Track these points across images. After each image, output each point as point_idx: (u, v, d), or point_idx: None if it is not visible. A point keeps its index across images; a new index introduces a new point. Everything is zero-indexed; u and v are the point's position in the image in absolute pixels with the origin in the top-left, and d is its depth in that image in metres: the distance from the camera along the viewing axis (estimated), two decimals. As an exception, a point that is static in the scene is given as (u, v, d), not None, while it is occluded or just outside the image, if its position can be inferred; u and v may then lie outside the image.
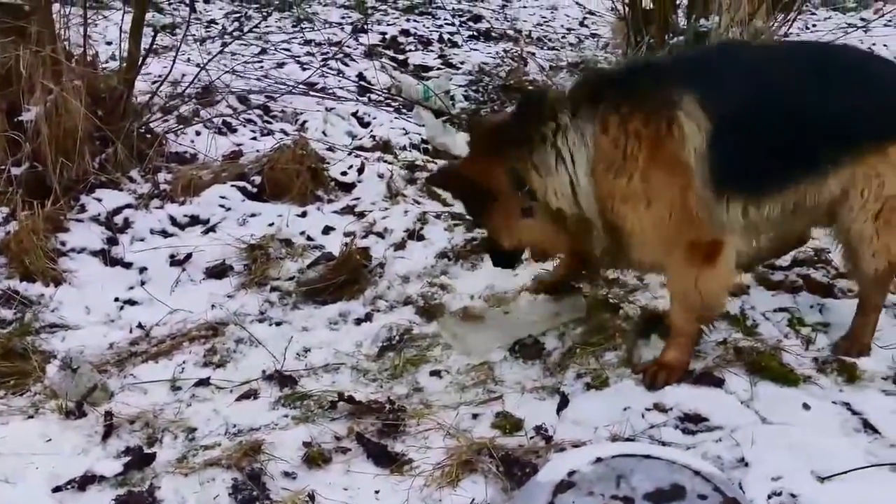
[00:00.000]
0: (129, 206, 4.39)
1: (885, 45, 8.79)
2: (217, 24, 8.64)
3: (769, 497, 2.56)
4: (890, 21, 10.05)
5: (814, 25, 10.18)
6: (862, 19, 9.75)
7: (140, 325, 3.62)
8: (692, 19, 6.70)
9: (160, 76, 5.41)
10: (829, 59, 3.23)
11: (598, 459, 2.43)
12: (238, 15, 8.98)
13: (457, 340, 3.44)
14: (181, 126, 5.24)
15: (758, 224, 3.10)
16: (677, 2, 7.02)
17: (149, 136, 4.89)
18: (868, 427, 2.87)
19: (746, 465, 2.69)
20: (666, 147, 2.89)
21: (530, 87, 3.66)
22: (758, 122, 2.92)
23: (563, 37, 9.50)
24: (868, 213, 3.05)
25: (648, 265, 3.24)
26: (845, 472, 2.61)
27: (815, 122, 2.94)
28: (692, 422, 2.92)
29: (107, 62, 5.60)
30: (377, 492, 2.64)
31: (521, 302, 3.69)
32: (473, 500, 2.58)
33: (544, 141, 3.00)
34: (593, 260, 3.38)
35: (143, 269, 4.02)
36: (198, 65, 5.79)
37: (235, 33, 7.76)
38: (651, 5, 6.72)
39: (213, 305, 3.75)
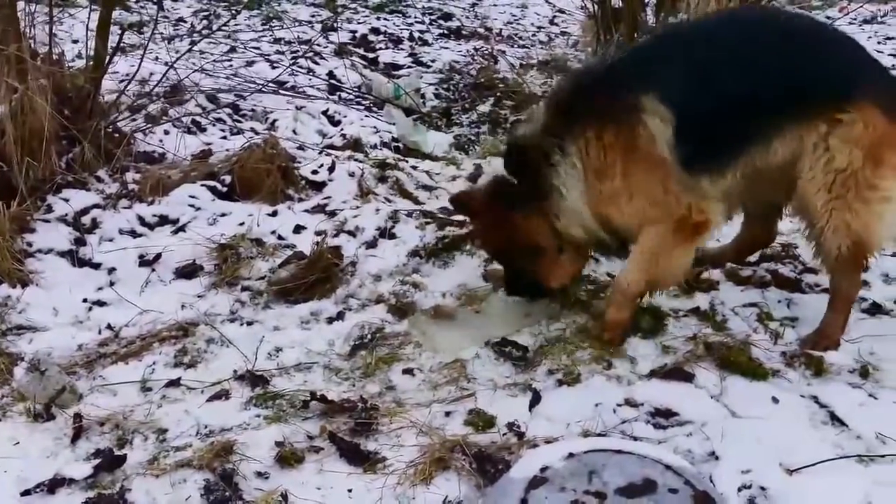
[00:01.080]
0: (96, 206, 4.34)
1: (850, 43, 8.89)
2: (185, 22, 8.56)
3: (739, 490, 2.59)
4: (854, 19, 10.20)
5: (780, 23, 10.28)
6: (827, 17, 9.86)
7: (109, 326, 3.58)
8: (660, 17, 6.78)
9: (128, 75, 5.35)
10: (774, 31, 3.33)
11: (571, 455, 2.46)
12: (206, 13, 8.90)
13: (427, 339, 3.45)
14: (149, 125, 5.19)
15: (725, 195, 3.27)
16: (646, 0, 7.08)
17: (116, 135, 4.84)
18: (835, 420, 2.92)
19: (717, 458, 2.72)
20: (640, 148, 3.13)
21: (510, 135, 3.83)
22: (708, 104, 3.11)
23: (533, 35, 9.52)
24: (819, 185, 3.13)
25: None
26: (813, 465, 2.65)
27: (758, 93, 3.11)
28: (663, 416, 2.94)
29: (73, 61, 5.55)
30: (350, 490, 2.63)
31: (493, 301, 3.71)
32: (447, 497, 2.58)
33: (551, 189, 3.27)
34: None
35: (111, 270, 3.97)
36: (166, 63, 5.74)
37: (204, 31, 7.70)
38: (620, 4, 6.78)
39: (183, 306, 3.72)
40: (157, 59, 6.29)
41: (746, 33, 3.30)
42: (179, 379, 3.21)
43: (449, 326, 3.55)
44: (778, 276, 3.86)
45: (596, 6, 6.95)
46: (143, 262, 4.01)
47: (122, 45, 5.24)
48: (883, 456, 2.72)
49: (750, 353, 3.25)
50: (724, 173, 3.19)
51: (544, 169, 3.27)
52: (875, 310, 3.60)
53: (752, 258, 3.95)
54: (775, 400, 3.00)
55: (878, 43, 9.28)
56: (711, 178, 3.19)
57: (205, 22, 8.48)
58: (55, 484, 2.63)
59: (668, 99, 3.09)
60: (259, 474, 2.69)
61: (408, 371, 3.26)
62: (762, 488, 2.59)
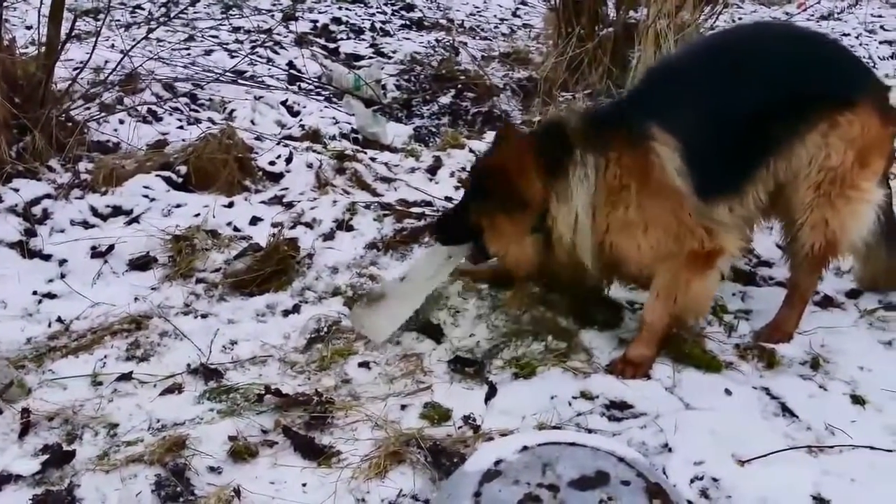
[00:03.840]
0: (48, 196, 4.26)
1: (807, 39, 9.02)
2: (143, 9, 8.43)
3: (691, 481, 2.62)
4: (812, 15, 10.34)
5: (740, 19, 10.39)
6: (786, 13, 9.99)
7: (59, 319, 3.51)
8: (621, 11, 6.81)
9: (82, 63, 5.25)
10: (765, 43, 3.30)
11: (525, 448, 2.45)
12: (165, 0, 8.78)
13: (370, 329, 3.40)
14: (103, 114, 5.11)
15: (745, 215, 3.21)
16: (607, -7, 7.10)
17: (69, 124, 4.76)
18: (786, 411, 2.97)
19: (670, 450, 2.75)
20: (652, 175, 3.01)
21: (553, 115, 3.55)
22: (715, 126, 3.03)
23: (495, 27, 9.51)
24: (810, 183, 3.13)
25: (645, 277, 3.29)
26: (764, 456, 2.69)
27: (768, 104, 3.05)
28: (618, 409, 2.97)
29: (25, 47, 5.41)
30: (304, 485, 2.62)
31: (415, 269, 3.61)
32: (401, 491, 2.57)
33: (565, 173, 3.11)
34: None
35: (62, 262, 3.89)
36: (122, 51, 5.64)
37: (161, 19, 7.59)
38: (581, -4, 6.80)
39: (136, 298, 3.65)
40: (112, 46, 6.19)
41: (745, 48, 3.25)
42: (131, 373, 3.16)
43: (383, 307, 3.44)
44: (733, 269, 3.88)
45: (557, -1, 6.96)
46: (96, 253, 3.94)
47: (77, 32, 5.14)
48: (832, 447, 2.78)
49: (704, 345, 3.29)
50: (743, 196, 3.12)
51: (568, 156, 3.11)
52: (827, 302, 3.66)
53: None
54: (728, 392, 3.04)
55: (835, 39, 9.42)
56: (730, 204, 3.11)
57: (162, 9, 8.36)
58: (1, 480, 2.59)
59: (671, 125, 3.01)
60: (212, 469, 2.66)
61: (364, 364, 3.24)
62: (714, 479, 2.62)
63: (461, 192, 4.64)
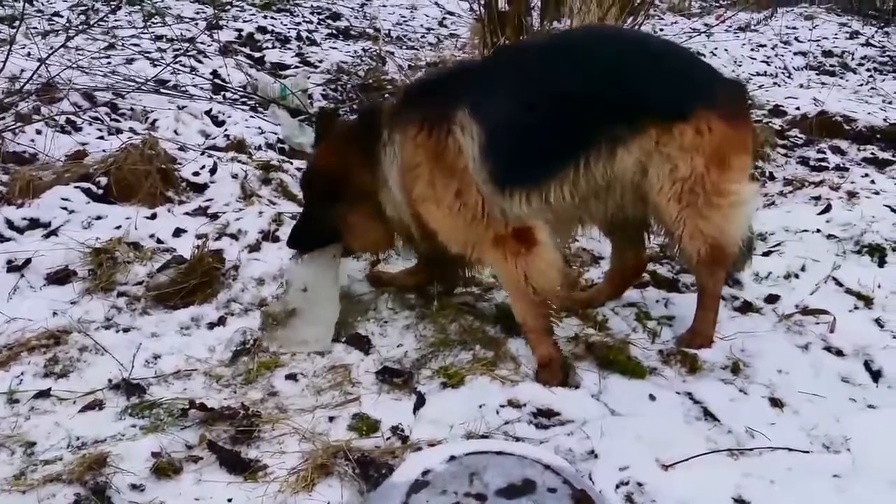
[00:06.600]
0: (-39, 209, 4.12)
1: (725, 50, 9.30)
2: (61, 16, 8.23)
3: (617, 487, 2.65)
4: (730, 27, 10.65)
5: (661, 29, 10.64)
6: (705, 24, 10.25)
7: (-27, 336, 3.40)
8: (545, 21, 6.91)
9: (-4, 71, 5.12)
10: (604, 46, 3.34)
11: (452, 458, 2.47)
12: (84, 7, 8.58)
13: (312, 342, 3.39)
14: (20, 124, 4.97)
15: (551, 210, 3.20)
16: (531, 4, 7.20)
17: (-17, 135, 4.62)
18: (708, 415, 3.04)
19: (596, 456, 2.78)
20: (445, 156, 3.12)
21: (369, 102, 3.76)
22: (526, 120, 3.09)
23: (422, 36, 9.57)
24: (669, 196, 3.19)
25: (469, 260, 3.39)
26: (687, 460, 2.74)
27: (585, 108, 3.10)
28: (545, 416, 2.99)
29: (-64, 56, 5.26)
30: (230, 500, 2.57)
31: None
32: (328, 503, 2.55)
33: (380, 157, 3.32)
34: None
35: (-24, 277, 3.76)
36: (39, 59, 5.50)
37: (80, 27, 7.42)
38: (507, 7, 6.88)
39: (54, 313, 3.54)
40: (28, 55, 6.03)
41: (570, 52, 3.29)
42: (49, 389, 3.07)
43: (301, 321, 3.46)
44: (656, 277, 3.98)
45: (483, 9, 7.02)
46: (12, 267, 3.81)
47: (-10, 39, 5.00)
48: (752, 449, 2.84)
49: (629, 352, 3.34)
50: (542, 191, 3.15)
51: (379, 144, 3.32)
52: (746, 308, 3.76)
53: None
54: (652, 397, 3.10)
55: (752, 50, 9.71)
56: (527, 198, 3.14)
57: (81, 17, 8.18)
58: (-89, 504, 2.49)
59: (477, 114, 3.09)
60: (134, 487, 2.60)
61: (291, 376, 3.21)
62: (639, 484, 2.66)
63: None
